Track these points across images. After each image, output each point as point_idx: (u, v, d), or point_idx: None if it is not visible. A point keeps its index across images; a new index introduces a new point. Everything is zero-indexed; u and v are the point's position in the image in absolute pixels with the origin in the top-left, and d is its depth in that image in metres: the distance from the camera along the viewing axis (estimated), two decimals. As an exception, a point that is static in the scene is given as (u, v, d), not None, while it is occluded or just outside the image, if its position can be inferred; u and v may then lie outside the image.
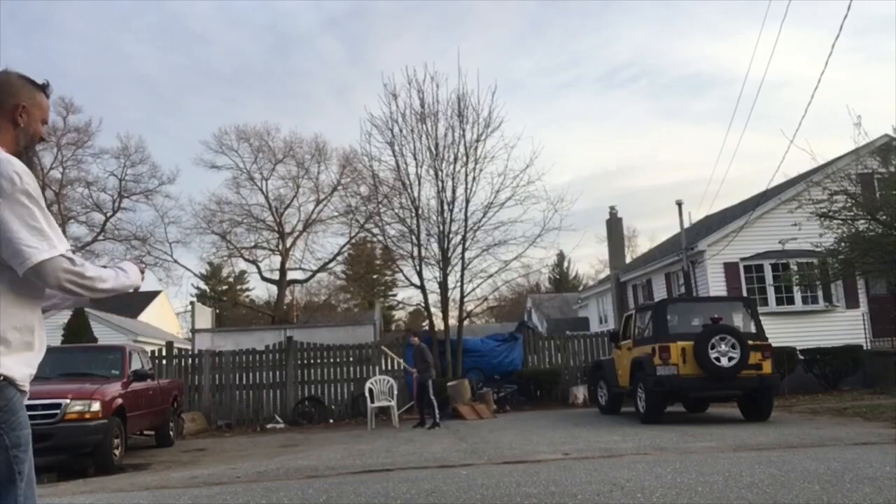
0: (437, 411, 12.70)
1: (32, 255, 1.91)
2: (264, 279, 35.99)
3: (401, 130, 17.58)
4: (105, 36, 68.07)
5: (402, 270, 19.43)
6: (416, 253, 17.69)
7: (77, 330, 17.62)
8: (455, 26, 75.64)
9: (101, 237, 35.93)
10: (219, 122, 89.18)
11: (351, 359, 16.91)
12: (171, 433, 11.93)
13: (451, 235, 17.34)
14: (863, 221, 13.02)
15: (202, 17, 72.97)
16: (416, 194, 17.52)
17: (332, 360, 16.91)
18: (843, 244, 13.53)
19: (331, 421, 15.73)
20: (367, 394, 14.14)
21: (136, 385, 10.17)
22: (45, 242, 1.94)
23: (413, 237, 17.60)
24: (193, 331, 20.41)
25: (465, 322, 18.24)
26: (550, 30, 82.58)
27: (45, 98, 2.24)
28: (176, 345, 20.48)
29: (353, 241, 31.54)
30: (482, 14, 78.28)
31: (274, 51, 75.71)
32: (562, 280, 53.93)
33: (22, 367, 2.01)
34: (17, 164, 1.99)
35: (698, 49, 79.55)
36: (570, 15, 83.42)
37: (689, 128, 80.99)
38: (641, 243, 49.18)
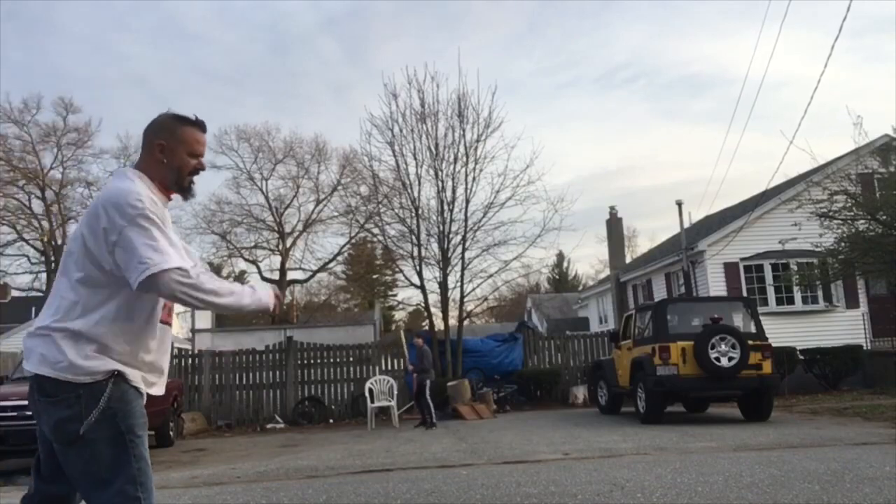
0: (433, 412, 12.75)
1: (145, 268, 2.15)
2: (264, 279, 35.96)
3: (401, 130, 17.62)
4: (103, 36, 68.12)
5: (402, 270, 19.46)
6: (416, 253, 17.71)
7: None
8: (453, 27, 75.71)
9: (101, 237, 35.75)
10: (218, 122, 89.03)
11: (351, 359, 16.91)
12: (171, 433, 11.93)
13: (451, 235, 17.36)
14: (863, 221, 13.03)
15: (200, 17, 73.01)
16: (416, 194, 17.54)
17: (332, 360, 16.91)
18: (843, 244, 13.53)
19: (331, 421, 15.72)
20: (366, 394, 14.14)
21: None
22: (160, 256, 2.17)
23: (413, 237, 17.61)
24: (193, 331, 20.43)
25: (465, 322, 18.24)
26: (549, 30, 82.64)
27: (195, 131, 2.49)
28: (176, 345, 20.48)
29: (353, 241, 31.57)
30: (480, 14, 78.34)
31: (272, 51, 75.76)
32: (561, 280, 53.95)
33: (133, 371, 2.33)
34: (139, 192, 2.27)
35: (697, 49, 79.66)
36: (568, 15, 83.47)
37: (688, 128, 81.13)
38: (641, 243, 49.22)
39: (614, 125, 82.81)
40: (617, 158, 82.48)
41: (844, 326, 17.09)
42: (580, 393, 16.23)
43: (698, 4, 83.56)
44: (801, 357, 15.67)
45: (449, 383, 15.10)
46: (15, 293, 36.10)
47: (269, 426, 15.36)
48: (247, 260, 35.11)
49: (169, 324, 2.49)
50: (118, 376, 2.26)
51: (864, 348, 16.53)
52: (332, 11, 78.75)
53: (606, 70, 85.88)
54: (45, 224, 36.30)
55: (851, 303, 17.59)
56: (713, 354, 10.46)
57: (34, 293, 37.51)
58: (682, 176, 73.82)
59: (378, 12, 74.93)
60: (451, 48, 64.09)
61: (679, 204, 19.23)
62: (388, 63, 76.87)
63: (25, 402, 8.90)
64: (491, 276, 17.95)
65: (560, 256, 52.09)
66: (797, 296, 17.47)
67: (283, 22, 75.36)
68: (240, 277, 47.60)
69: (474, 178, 17.32)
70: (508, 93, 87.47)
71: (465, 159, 17.33)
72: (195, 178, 2.49)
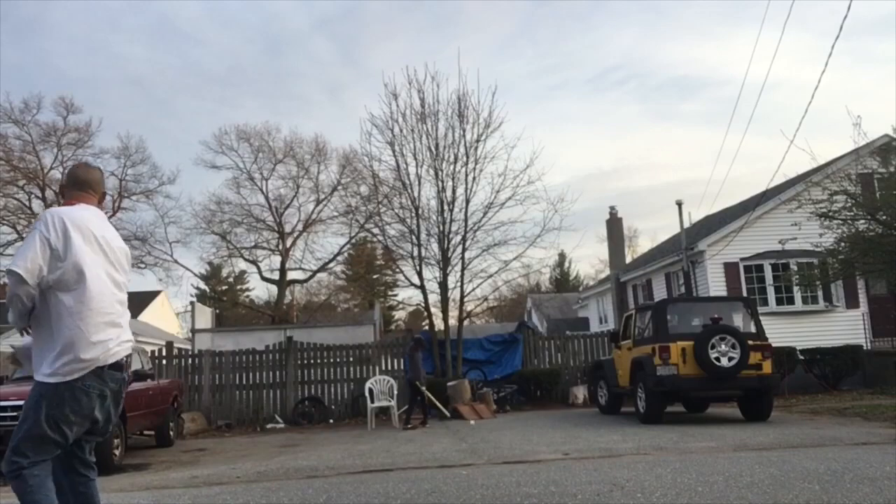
0: (427, 413, 12.97)
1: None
2: (264, 279, 36.01)
3: (401, 130, 17.58)
4: (99, 37, 68.14)
5: (402, 270, 19.42)
6: (416, 253, 17.68)
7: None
8: (446, 28, 75.72)
9: (101, 237, 35.61)
10: (216, 123, 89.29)
11: (351, 359, 16.91)
12: (171, 433, 11.93)
13: (451, 235, 17.33)
14: (863, 221, 13.01)
15: (194, 17, 72.97)
16: (416, 194, 17.51)
17: (332, 360, 16.91)
18: (843, 244, 13.51)
19: (331, 421, 15.73)
20: (366, 394, 14.16)
21: (136, 385, 10.17)
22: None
23: (413, 237, 17.59)
24: (193, 331, 20.42)
25: (465, 322, 18.23)
26: (541, 31, 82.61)
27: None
28: (176, 345, 20.47)
29: (353, 241, 31.56)
30: (472, 16, 78.30)
31: (267, 52, 75.71)
32: (563, 280, 53.95)
33: None
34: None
35: (685, 52, 79.68)
36: (559, 17, 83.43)
37: (681, 129, 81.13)
38: (642, 243, 49.21)
39: (607, 126, 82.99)
40: (613, 159, 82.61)
41: (844, 326, 17.09)
42: (580, 393, 16.22)
43: (685, 8, 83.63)
44: (801, 357, 15.67)
45: (449, 383, 15.11)
46: (15, 293, 36.04)
47: (269, 426, 15.36)
48: (247, 260, 35.12)
49: None
50: None
51: (864, 348, 16.53)
52: (325, 12, 78.75)
53: (597, 72, 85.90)
54: (45, 224, 36.22)
55: (851, 303, 17.59)
56: (713, 354, 10.46)
57: (34, 293, 37.42)
58: (676, 177, 73.94)
59: (371, 13, 74.92)
60: (444, 49, 64.56)
61: (679, 204, 19.23)
62: (382, 63, 76.86)
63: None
64: (491, 276, 17.94)
65: (562, 256, 52.11)
66: (797, 296, 17.47)
67: (277, 23, 75.38)
68: (240, 277, 47.69)
69: (474, 178, 17.31)
70: (502, 94, 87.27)
71: (465, 159, 17.32)
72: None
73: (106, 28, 68.33)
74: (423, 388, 13.12)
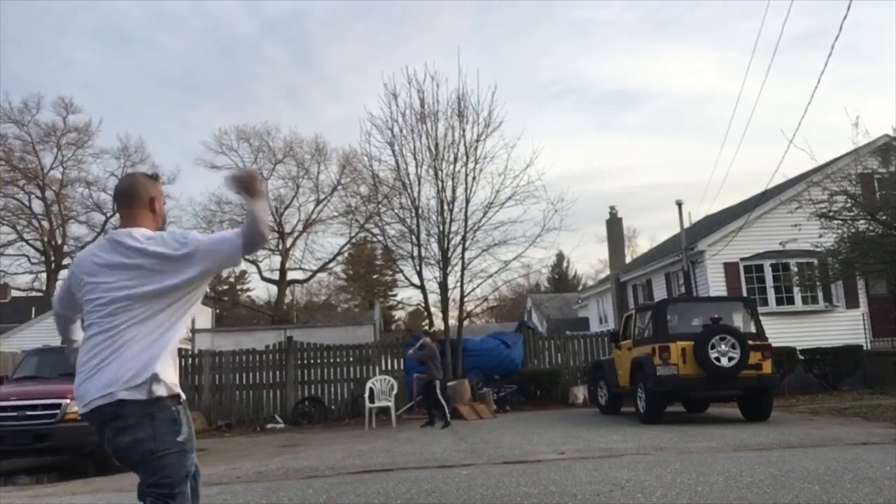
0: (447, 411, 12.81)
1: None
2: (264, 279, 36.06)
3: (401, 130, 17.59)
4: (112, 30, 67.95)
5: (402, 270, 19.42)
6: (416, 253, 17.68)
7: (77, 330, 17.59)
8: (403, 28, 75.43)
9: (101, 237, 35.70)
10: (216, 123, 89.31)
11: (351, 359, 16.91)
12: (170, 433, 11.91)
13: (451, 235, 17.33)
14: (863, 222, 13.02)
15: (183, 14, 72.91)
16: (416, 194, 17.51)
17: (332, 360, 16.91)
18: (843, 244, 13.52)
19: (331, 421, 15.73)
20: (367, 394, 14.14)
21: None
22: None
23: (413, 237, 17.59)
24: (193, 331, 20.42)
25: (465, 322, 18.23)
26: (543, 30, 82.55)
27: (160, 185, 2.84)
28: (176, 344, 20.42)
29: (353, 241, 31.56)
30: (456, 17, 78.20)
31: (272, 51, 75.70)
32: (561, 280, 53.95)
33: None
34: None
35: (690, 62, 79.52)
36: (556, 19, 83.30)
37: (681, 131, 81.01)
38: (641, 243, 49.23)
39: (606, 127, 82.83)
40: (613, 159, 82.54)
41: (844, 326, 17.08)
42: (580, 393, 16.22)
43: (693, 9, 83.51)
44: (801, 357, 15.66)
45: (449, 383, 15.09)
46: (15, 293, 36.15)
47: (269, 426, 15.36)
48: (247, 260, 35.11)
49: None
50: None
51: (864, 348, 16.52)
52: (328, 13, 78.66)
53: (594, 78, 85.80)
54: (45, 224, 36.31)
55: (851, 303, 17.58)
56: (713, 354, 10.46)
57: (34, 293, 37.55)
58: (678, 176, 73.85)
59: (373, 14, 74.87)
60: (403, 50, 63.49)
61: (679, 204, 19.24)
62: (381, 64, 76.46)
63: (25, 402, 8.94)
64: (491, 276, 17.93)
65: (560, 256, 52.11)
66: (797, 296, 17.47)
67: (286, 25, 75.33)
68: (240, 277, 47.72)
69: (474, 178, 17.31)
70: (502, 94, 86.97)
71: (465, 159, 17.31)
72: None
73: (110, 28, 68.34)
74: (438, 388, 13.07)
